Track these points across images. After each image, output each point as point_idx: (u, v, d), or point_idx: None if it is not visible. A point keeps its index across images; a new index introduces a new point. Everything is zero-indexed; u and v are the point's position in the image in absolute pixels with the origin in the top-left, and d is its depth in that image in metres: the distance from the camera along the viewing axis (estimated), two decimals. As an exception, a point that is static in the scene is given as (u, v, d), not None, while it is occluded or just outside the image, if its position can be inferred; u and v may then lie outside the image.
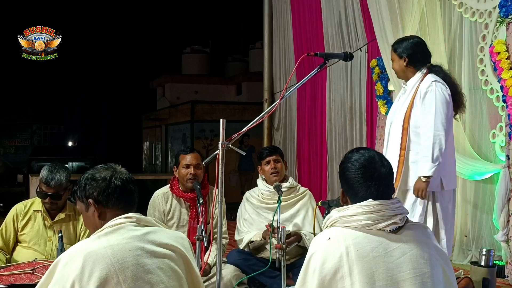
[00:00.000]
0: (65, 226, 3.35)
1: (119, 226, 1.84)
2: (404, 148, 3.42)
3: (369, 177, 1.86)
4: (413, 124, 3.42)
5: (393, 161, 3.40)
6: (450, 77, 3.56)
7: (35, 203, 3.38)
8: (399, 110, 3.55)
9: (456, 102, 3.49)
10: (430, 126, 3.31)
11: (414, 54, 3.52)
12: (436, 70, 3.53)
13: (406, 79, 3.58)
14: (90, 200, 1.92)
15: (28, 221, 3.33)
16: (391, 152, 3.51)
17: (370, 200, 1.83)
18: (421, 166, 3.33)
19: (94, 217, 1.93)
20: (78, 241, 3.32)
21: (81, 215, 3.40)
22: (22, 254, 3.28)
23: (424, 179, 3.30)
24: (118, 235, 1.81)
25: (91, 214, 1.94)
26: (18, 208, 3.36)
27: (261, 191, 3.87)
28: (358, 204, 1.84)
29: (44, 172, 3.27)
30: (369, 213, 1.81)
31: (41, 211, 3.35)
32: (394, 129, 3.54)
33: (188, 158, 3.65)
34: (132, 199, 1.95)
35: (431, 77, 3.44)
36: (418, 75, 3.50)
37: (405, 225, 1.85)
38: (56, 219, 3.36)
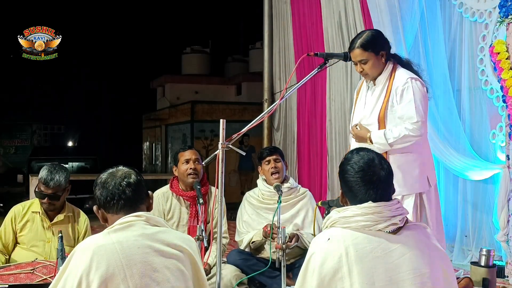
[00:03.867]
0: (64, 227, 3.33)
1: (129, 224, 1.86)
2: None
3: (368, 181, 1.85)
4: (389, 126, 3.13)
5: None
6: (411, 64, 3.27)
7: (34, 205, 3.37)
8: (371, 112, 3.22)
9: None
10: (417, 112, 3.02)
11: (387, 46, 3.21)
12: (404, 62, 3.26)
13: (376, 76, 3.23)
14: (95, 207, 1.97)
15: (26, 222, 3.32)
16: None
17: (370, 202, 1.83)
18: (379, 132, 3.08)
19: (102, 220, 1.99)
20: (77, 242, 3.33)
21: (80, 217, 3.42)
22: (21, 255, 3.27)
23: (368, 140, 3.08)
24: (128, 232, 1.83)
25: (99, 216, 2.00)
26: (16, 209, 3.35)
27: (261, 192, 3.87)
28: (358, 205, 1.84)
29: (43, 172, 3.25)
30: (369, 214, 1.81)
31: (39, 212, 3.33)
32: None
33: (186, 154, 3.66)
34: (131, 203, 1.93)
35: (404, 73, 3.15)
36: (387, 71, 3.18)
37: (404, 225, 1.85)
38: (54, 220, 3.34)
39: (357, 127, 3.24)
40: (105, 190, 1.93)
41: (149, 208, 2.00)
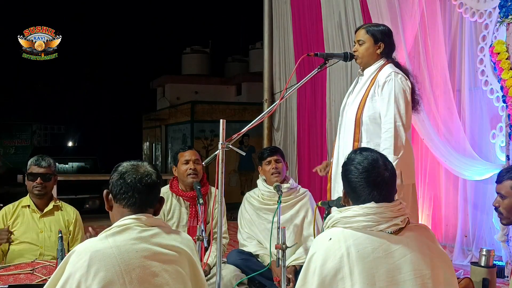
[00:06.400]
0: (54, 218, 3.42)
1: (127, 227, 1.82)
2: (358, 140, 3.24)
3: (372, 182, 1.84)
4: (371, 115, 3.24)
5: (348, 152, 3.27)
6: (409, 73, 3.36)
7: (23, 201, 3.46)
8: (352, 101, 3.36)
9: (413, 100, 3.32)
10: (390, 118, 3.14)
11: (391, 44, 3.35)
12: (396, 62, 3.37)
13: (365, 66, 3.37)
14: (105, 191, 1.93)
15: (17, 217, 3.39)
16: (344, 144, 3.32)
17: (372, 202, 1.82)
18: None
19: (107, 206, 1.95)
20: (68, 231, 3.44)
21: (67, 208, 3.47)
22: (16, 250, 3.30)
23: None
24: (125, 236, 1.80)
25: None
26: (6, 208, 3.43)
27: (261, 192, 3.86)
28: (360, 205, 1.83)
29: (33, 159, 3.43)
30: (371, 215, 1.80)
31: (29, 205, 3.41)
32: (347, 120, 3.36)
33: (186, 155, 3.66)
34: (141, 204, 1.88)
35: (390, 67, 3.27)
36: (377, 64, 3.31)
37: (406, 226, 1.84)
38: (44, 211, 3.42)
39: None
40: (123, 181, 1.88)
41: (156, 213, 1.96)
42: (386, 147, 3.13)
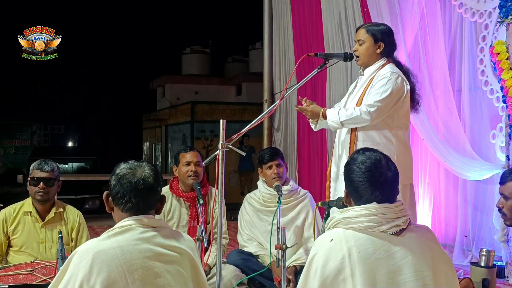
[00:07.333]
0: (57, 225, 3.32)
1: (128, 228, 1.82)
2: (354, 139, 3.21)
3: (375, 182, 1.84)
4: None
5: (345, 151, 3.26)
6: (409, 73, 3.34)
7: (25, 205, 3.35)
8: (351, 100, 3.34)
9: (412, 100, 3.31)
10: (366, 102, 3.11)
11: (391, 43, 3.32)
12: (397, 61, 3.34)
13: (366, 66, 3.33)
14: (105, 193, 1.91)
15: (18, 224, 3.29)
16: (342, 143, 3.31)
17: (374, 203, 1.82)
18: (334, 109, 3.20)
19: (108, 208, 1.94)
20: (70, 238, 3.34)
21: (69, 213, 3.40)
22: (16, 260, 3.22)
23: (321, 115, 3.22)
24: (128, 236, 1.80)
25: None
26: (7, 212, 3.32)
27: (261, 194, 3.85)
28: (361, 206, 1.83)
29: (35, 163, 3.32)
30: (372, 215, 1.80)
31: (31, 212, 3.31)
32: None
33: (188, 156, 3.66)
34: (139, 208, 1.87)
35: (389, 67, 3.23)
36: (378, 64, 3.28)
37: (408, 227, 1.84)
38: (46, 219, 3.32)
39: (306, 102, 3.35)
40: (119, 185, 1.86)
41: (157, 212, 1.95)
42: (347, 110, 3.16)
